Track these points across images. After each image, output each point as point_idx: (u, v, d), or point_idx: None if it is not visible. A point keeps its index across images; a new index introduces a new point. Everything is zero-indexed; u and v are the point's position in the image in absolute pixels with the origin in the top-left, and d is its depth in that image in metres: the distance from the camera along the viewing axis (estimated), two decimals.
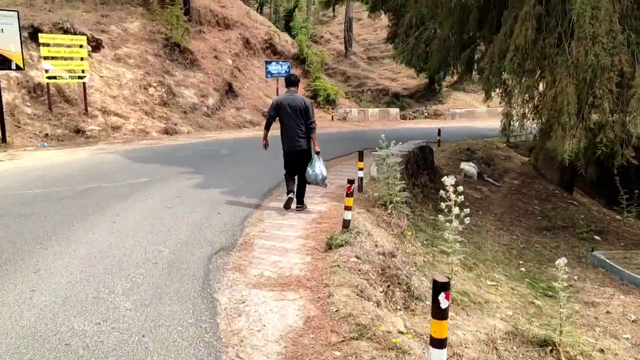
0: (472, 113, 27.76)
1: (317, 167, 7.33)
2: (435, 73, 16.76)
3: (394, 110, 25.69)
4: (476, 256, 8.69)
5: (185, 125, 18.62)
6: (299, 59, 27.79)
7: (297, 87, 7.48)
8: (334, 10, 49.83)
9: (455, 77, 36.37)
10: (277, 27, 32.03)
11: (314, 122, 7.28)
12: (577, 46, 8.38)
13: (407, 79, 37.21)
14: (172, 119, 18.41)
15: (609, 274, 9.24)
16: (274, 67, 22.13)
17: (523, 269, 8.96)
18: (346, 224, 6.20)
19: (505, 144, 17.25)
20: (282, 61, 23.13)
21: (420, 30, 11.77)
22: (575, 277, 9.14)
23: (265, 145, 7.60)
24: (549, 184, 13.41)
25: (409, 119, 27.75)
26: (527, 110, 11.06)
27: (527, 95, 10.13)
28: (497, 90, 15.05)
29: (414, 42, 12.03)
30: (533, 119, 11.47)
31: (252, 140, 16.89)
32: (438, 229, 9.02)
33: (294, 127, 7.12)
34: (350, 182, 6.27)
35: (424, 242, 7.72)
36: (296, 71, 26.63)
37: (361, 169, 8.91)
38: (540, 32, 9.41)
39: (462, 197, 5.15)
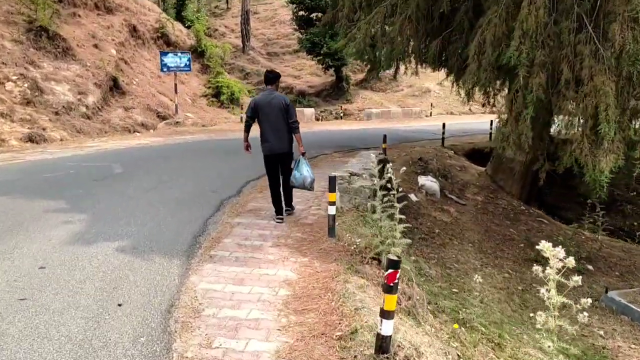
0: (387, 113, 25.86)
1: (304, 170, 6.60)
2: (389, 68, 14.45)
3: (309, 111, 22.98)
4: (486, 316, 6.24)
5: (57, 130, 14.44)
6: (197, 52, 24.07)
7: (277, 85, 6.73)
8: (227, 1, 46.29)
9: (363, 74, 34.80)
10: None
11: (297, 121, 6.56)
12: (620, 30, 6.12)
13: (311, 76, 34.79)
14: (39, 122, 14.16)
15: (637, 324, 7.26)
16: (171, 60, 18.37)
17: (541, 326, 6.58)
18: (384, 347, 3.20)
19: (442, 147, 15.25)
20: (182, 52, 19.41)
21: (375, 12, 9.17)
22: (602, 333, 7.06)
23: (247, 148, 6.94)
24: (511, 198, 11.46)
25: (321, 119, 25.17)
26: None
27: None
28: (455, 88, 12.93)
29: (366, 28, 9.44)
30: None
31: (152, 150, 13.27)
32: (450, 292, 6.43)
33: (274, 128, 6.49)
34: (392, 265, 3.21)
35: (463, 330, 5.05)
36: (194, 66, 22.98)
37: (333, 204, 6.00)
38: (551, 15, 7.12)
39: None
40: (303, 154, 6.63)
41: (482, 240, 9.20)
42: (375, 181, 5.36)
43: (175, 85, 18.77)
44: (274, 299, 4.36)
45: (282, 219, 6.71)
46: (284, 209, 6.89)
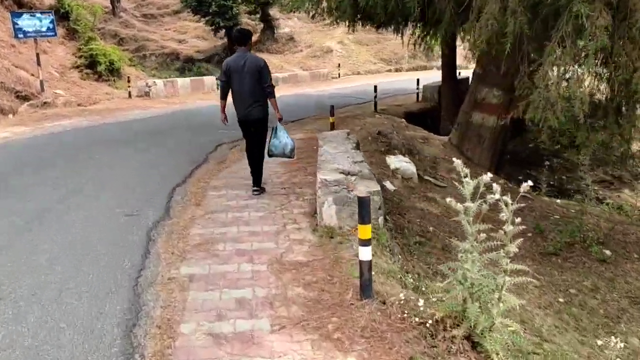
0: (294, 77, 23.14)
1: (283, 137, 6.24)
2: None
3: (209, 80, 19.59)
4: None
5: None
6: (60, 14, 19.42)
7: (249, 45, 6.16)
8: None
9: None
10: None
11: (272, 85, 6.07)
12: None
13: (197, 39, 30.98)
14: None
15: None
16: (28, 23, 14.04)
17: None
18: None
19: (375, 113, 13.17)
20: (42, 13, 15.06)
21: None
22: None
23: (224, 120, 6.38)
24: (482, 170, 9.65)
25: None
26: None
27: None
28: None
29: None
30: None
31: (15, 150, 9.62)
32: None
33: (247, 92, 5.97)
34: None
35: None
36: (59, 31, 18.53)
37: (367, 243, 3.52)
38: None
39: None
40: (280, 120, 6.27)
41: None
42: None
43: (38, 55, 14.59)
44: None
45: (258, 191, 6.29)
46: (252, 189, 6.33)
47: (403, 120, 10.87)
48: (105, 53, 19.00)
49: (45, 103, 14.36)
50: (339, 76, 25.43)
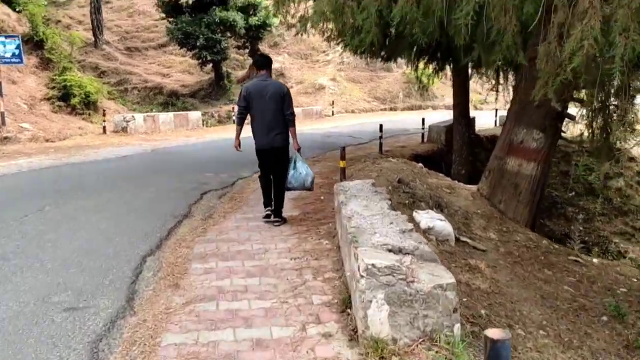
0: None
1: (302, 168, 5.90)
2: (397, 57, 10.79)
3: (195, 115, 17.96)
4: None
5: None
6: (33, 42, 17.80)
7: (271, 70, 5.94)
8: None
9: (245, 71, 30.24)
10: None
11: (293, 112, 5.80)
12: None
13: (183, 73, 29.60)
14: None
15: None
16: None
17: None
18: None
19: (384, 155, 11.63)
20: (6, 37, 13.31)
21: None
22: None
23: (237, 146, 6.05)
24: (519, 227, 8.10)
25: (206, 125, 20.17)
26: None
27: None
28: None
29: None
30: None
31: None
32: None
33: (267, 119, 5.66)
34: None
35: None
36: (31, 60, 16.92)
37: None
38: None
39: None
40: (299, 150, 5.98)
41: (550, 318, 5.59)
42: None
43: (0, 83, 12.87)
44: None
45: (269, 216, 6.01)
46: (273, 219, 6.00)
47: (421, 165, 9.33)
48: (81, 84, 17.31)
49: (5, 138, 12.56)
50: (333, 114, 24.02)
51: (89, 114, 17.09)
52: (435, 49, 10.93)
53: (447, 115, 21.01)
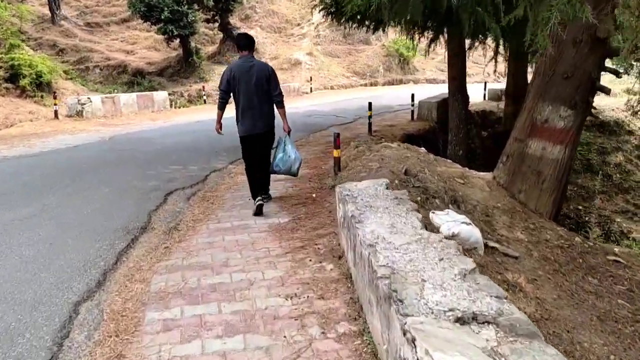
0: None
1: (291, 152, 5.57)
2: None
3: (161, 95, 16.15)
4: None
5: None
6: None
7: (253, 50, 5.48)
8: None
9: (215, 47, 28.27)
10: None
11: (281, 92, 5.42)
12: None
13: (148, 50, 27.55)
14: None
15: None
16: None
17: None
18: None
19: (374, 136, 10.27)
20: None
21: None
22: None
23: (219, 129, 5.56)
24: (544, 220, 6.85)
25: (175, 106, 18.38)
26: None
27: None
28: None
29: None
30: None
31: None
32: None
33: (253, 102, 5.26)
34: None
35: None
36: None
37: None
38: None
39: None
40: (289, 132, 5.55)
41: (617, 350, 4.39)
42: None
43: None
44: None
45: (261, 208, 5.40)
46: (257, 200, 5.39)
47: (424, 149, 7.99)
48: (32, 64, 15.37)
49: None
50: (311, 91, 22.42)
51: (42, 97, 15.20)
52: (429, 15, 9.56)
53: (432, 90, 19.75)
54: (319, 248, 4.38)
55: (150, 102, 15.61)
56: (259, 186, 5.53)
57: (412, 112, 13.77)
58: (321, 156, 8.96)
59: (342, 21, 11.04)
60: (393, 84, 25.82)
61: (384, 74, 26.02)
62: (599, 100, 18.57)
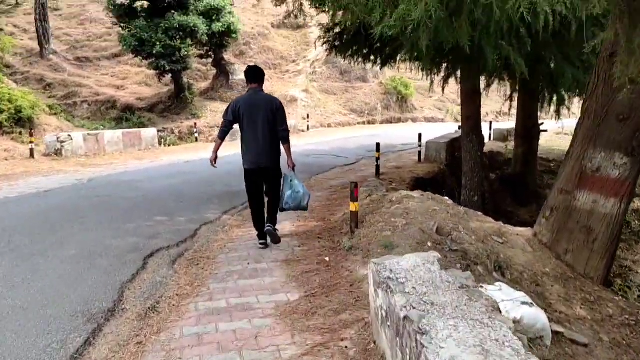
0: None
1: (299, 187, 5.40)
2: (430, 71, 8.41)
3: (149, 133, 15.04)
4: None
5: None
6: None
7: (262, 83, 5.39)
8: None
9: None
10: None
11: (288, 129, 5.28)
12: None
13: (139, 86, 26.69)
14: None
15: None
16: None
17: None
18: None
19: (382, 180, 9.21)
20: None
21: None
22: None
23: (213, 161, 5.40)
24: (598, 288, 5.73)
25: (165, 144, 17.29)
26: None
27: None
28: None
29: None
30: None
31: None
32: None
33: (259, 136, 5.13)
34: None
35: None
36: None
37: None
38: None
39: None
40: (293, 168, 5.41)
41: None
42: None
43: None
44: None
45: (265, 243, 5.40)
46: (267, 228, 5.34)
47: (449, 200, 6.89)
48: (12, 98, 14.29)
49: None
50: (308, 129, 21.47)
51: (20, 133, 14.05)
52: (446, 51, 8.69)
53: (433, 129, 18.92)
54: (346, 347, 3.22)
55: (137, 139, 14.49)
56: (269, 218, 5.41)
57: (420, 153, 12.78)
58: (327, 204, 7.87)
59: (347, 54, 10.17)
60: (391, 122, 25.03)
61: (382, 112, 25.24)
62: None
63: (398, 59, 9.67)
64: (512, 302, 4.10)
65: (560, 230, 6.05)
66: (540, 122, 13.44)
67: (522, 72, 8.07)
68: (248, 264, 4.99)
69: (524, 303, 4.10)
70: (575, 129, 6.00)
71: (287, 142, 5.27)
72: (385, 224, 5.30)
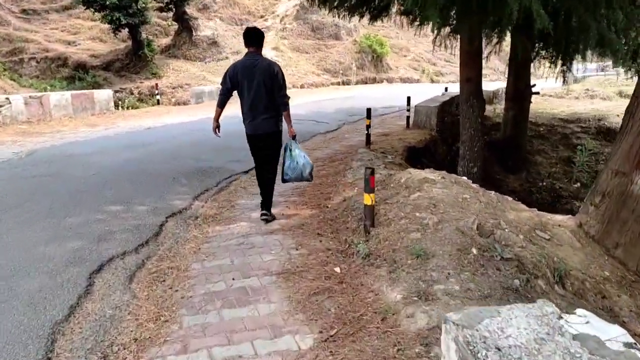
0: None
1: (299, 157, 5.10)
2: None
3: (103, 95, 13.07)
4: None
5: None
6: None
7: (262, 46, 4.90)
8: None
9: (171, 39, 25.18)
10: None
11: (287, 95, 4.91)
12: None
13: (92, 41, 24.35)
14: None
15: None
16: None
17: None
18: None
19: (373, 151, 7.99)
20: None
21: None
22: None
23: (216, 129, 5.10)
24: None
25: (121, 106, 15.43)
26: None
27: None
28: None
29: None
30: None
31: None
32: None
33: (257, 102, 4.83)
34: None
35: None
36: None
37: None
38: None
39: None
40: (294, 137, 5.07)
41: None
42: None
43: None
44: None
45: (266, 214, 5.06)
46: (261, 213, 5.08)
47: (470, 184, 5.65)
48: None
49: None
50: None
51: None
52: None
53: (412, 90, 17.71)
54: None
55: (89, 102, 12.61)
56: (263, 201, 5.12)
57: (408, 118, 11.55)
58: (317, 183, 6.55)
59: (332, 6, 8.69)
60: (366, 83, 23.61)
61: (356, 72, 23.73)
62: (601, 105, 16.97)
63: (394, 11, 8.28)
64: (612, 342, 2.95)
65: (612, 221, 4.95)
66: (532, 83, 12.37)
67: (543, 27, 6.82)
68: (233, 279, 3.69)
69: (626, 345, 2.96)
70: (634, 94, 4.81)
71: (285, 108, 4.89)
72: (409, 221, 4.06)
